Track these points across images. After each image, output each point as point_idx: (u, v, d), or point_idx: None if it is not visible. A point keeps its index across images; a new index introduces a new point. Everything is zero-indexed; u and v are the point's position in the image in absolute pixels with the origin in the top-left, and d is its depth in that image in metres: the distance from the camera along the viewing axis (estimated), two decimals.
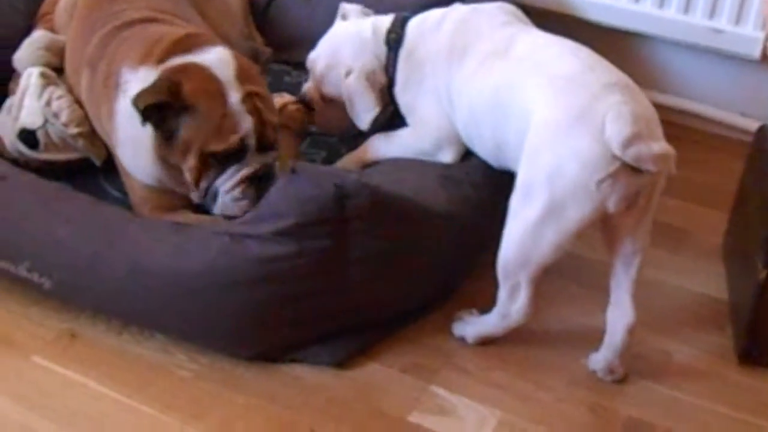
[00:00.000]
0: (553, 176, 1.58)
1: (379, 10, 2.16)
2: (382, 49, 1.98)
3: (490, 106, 1.77)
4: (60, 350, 1.77)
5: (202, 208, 1.88)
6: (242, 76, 1.78)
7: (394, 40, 1.97)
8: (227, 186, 1.77)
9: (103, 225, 1.78)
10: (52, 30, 2.25)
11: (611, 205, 1.56)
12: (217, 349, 1.77)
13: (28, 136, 2.00)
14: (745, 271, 1.82)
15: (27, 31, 2.28)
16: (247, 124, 1.75)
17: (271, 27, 2.48)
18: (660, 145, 1.53)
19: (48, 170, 2.01)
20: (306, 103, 2.05)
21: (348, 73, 1.98)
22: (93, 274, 1.74)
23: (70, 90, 2.07)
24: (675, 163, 1.55)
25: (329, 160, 2.09)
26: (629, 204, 1.58)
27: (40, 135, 1.99)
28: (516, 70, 1.74)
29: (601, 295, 1.82)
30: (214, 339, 1.76)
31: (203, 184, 1.79)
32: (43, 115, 1.99)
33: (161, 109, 1.72)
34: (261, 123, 1.77)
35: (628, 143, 1.51)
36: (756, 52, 2.19)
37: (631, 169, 1.54)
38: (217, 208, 1.80)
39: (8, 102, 2.09)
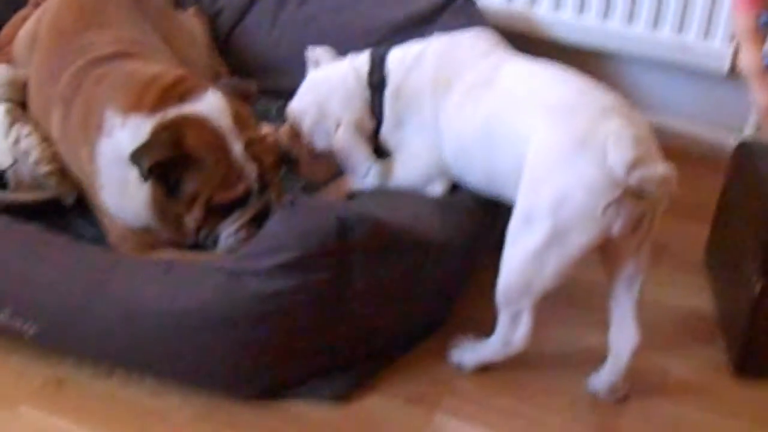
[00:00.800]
0: (557, 204, 1.58)
1: (348, 37, 2.17)
2: (367, 93, 1.95)
3: (479, 136, 1.77)
4: (47, 398, 1.72)
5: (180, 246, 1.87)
6: (240, 123, 1.77)
7: (378, 81, 1.93)
8: (231, 230, 1.78)
9: (91, 267, 1.73)
10: (9, 63, 2.20)
11: (615, 230, 1.58)
12: (214, 390, 1.73)
13: None
14: (736, 283, 1.86)
15: None
16: (250, 171, 1.76)
17: (235, 53, 2.46)
18: (663, 168, 1.55)
19: (16, 211, 1.93)
20: (289, 157, 2.00)
21: (338, 126, 1.94)
22: (83, 318, 1.69)
23: (37, 126, 2.01)
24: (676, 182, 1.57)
25: (309, 189, 2.07)
26: (634, 227, 1.59)
27: (9, 175, 1.95)
28: (506, 99, 1.75)
29: (591, 314, 1.86)
30: (210, 379, 1.72)
31: (205, 231, 1.79)
32: (12, 154, 1.95)
33: (164, 164, 1.70)
34: (262, 168, 1.78)
35: (631, 168, 1.52)
36: (724, 67, 2.24)
37: (634, 193, 1.55)
38: (219, 249, 1.79)
39: None
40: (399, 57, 1.94)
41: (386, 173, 1.95)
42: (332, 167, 2.00)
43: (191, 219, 1.77)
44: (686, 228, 2.12)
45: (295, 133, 1.98)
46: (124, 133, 1.77)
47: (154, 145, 1.70)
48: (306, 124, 1.97)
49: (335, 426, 1.69)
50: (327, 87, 1.99)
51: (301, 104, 1.99)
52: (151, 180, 1.73)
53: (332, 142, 1.94)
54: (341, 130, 1.93)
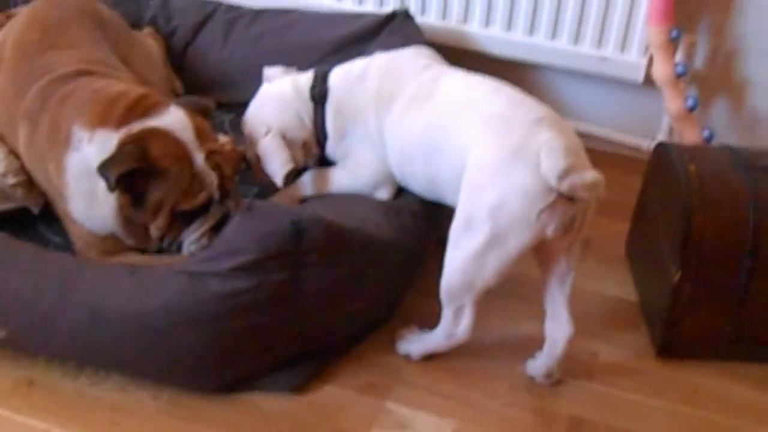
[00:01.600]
0: (495, 210, 1.58)
1: (294, 54, 2.16)
2: (308, 105, 1.94)
3: (421, 146, 1.76)
4: (19, 399, 1.68)
5: (143, 251, 1.85)
6: (201, 136, 1.76)
7: (319, 94, 1.93)
8: (194, 237, 1.77)
9: (59, 273, 1.69)
10: None
11: (549, 232, 1.59)
12: (178, 385, 1.71)
13: None
14: (655, 273, 1.89)
15: None
16: (212, 180, 1.75)
17: (189, 70, 2.44)
18: (591, 174, 1.57)
19: None
20: (247, 162, 1.99)
21: (267, 133, 1.93)
22: (52, 322, 1.65)
23: (2, 140, 1.97)
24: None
25: (262, 195, 2.05)
26: (566, 229, 1.60)
27: None
28: (444, 111, 1.74)
29: (527, 306, 1.89)
30: (174, 375, 1.70)
31: (169, 239, 1.78)
32: None
33: (130, 175, 1.67)
34: (222, 177, 1.77)
35: (563, 176, 1.53)
36: (640, 77, 2.27)
37: (566, 198, 1.56)
38: (184, 254, 1.78)
39: None
40: (341, 73, 1.94)
41: (328, 180, 1.95)
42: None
43: (156, 227, 1.76)
44: (607, 224, 2.13)
45: (249, 141, 1.97)
46: (92, 147, 1.74)
47: (120, 157, 1.68)
48: (246, 132, 1.98)
49: (293, 416, 1.68)
50: (266, 99, 1.99)
51: (246, 114, 2.00)
52: (118, 191, 1.70)
53: (258, 146, 1.94)
54: (268, 137, 1.92)
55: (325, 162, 2.01)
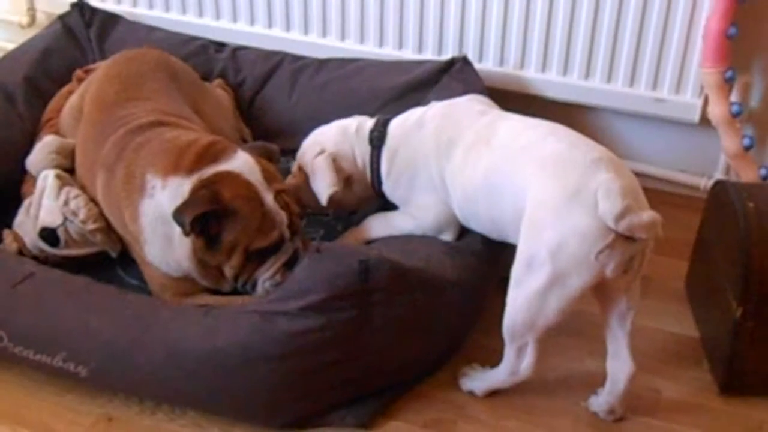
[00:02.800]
0: (555, 250, 1.58)
1: (356, 101, 2.18)
2: (366, 148, 1.96)
3: (482, 189, 1.76)
4: None
5: (217, 291, 1.87)
6: (268, 177, 1.79)
7: (378, 138, 1.95)
8: (268, 275, 1.78)
9: (136, 313, 1.72)
10: (57, 134, 2.21)
11: (609, 272, 1.57)
12: (250, 421, 1.72)
13: (49, 235, 1.95)
14: (717, 309, 1.85)
15: (31, 136, 2.25)
16: (282, 219, 1.77)
17: (256, 119, 2.47)
18: (649, 214, 1.55)
19: (67, 264, 1.94)
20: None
21: (320, 153, 1.96)
22: (130, 360, 1.68)
23: (83, 189, 2.02)
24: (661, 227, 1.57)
25: (327, 238, 2.07)
26: (626, 269, 1.59)
27: (60, 233, 1.95)
28: (503, 154, 1.74)
29: (589, 343, 1.87)
30: (246, 412, 1.71)
31: (244, 278, 1.79)
32: (62, 213, 1.95)
33: (205, 218, 1.70)
34: (291, 215, 1.79)
35: (620, 217, 1.52)
36: (696, 117, 2.25)
37: (624, 238, 1.55)
38: (258, 294, 1.80)
39: (26, 203, 2.04)
40: (400, 122, 1.97)
41: (392, 224, 1.95)
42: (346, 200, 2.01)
43: (231, 267, 1.78)
44: (666, 262, 2.10)
45: (299, 163, 2.00)
46: (165, 194, 1.78)
47: (194, 202, 1.71)
48: (300, 152, 2.01)
49: None
50: (329, 128, 2.03)
51: (306, 139, 2.03)
52: (192, 234, 1.72)
53: (309, 164, 1.96)
54: (321, 156, 1.94)
55: (385, 206, 2.02)
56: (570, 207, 1.57)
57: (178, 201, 1.73)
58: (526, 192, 1.65)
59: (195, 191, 1.74)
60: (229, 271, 1.79)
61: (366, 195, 2.01)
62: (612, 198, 1.54)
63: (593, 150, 1.67)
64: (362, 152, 1.97)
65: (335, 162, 1.94)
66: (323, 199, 1.91)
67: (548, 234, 1.59)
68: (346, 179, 1.96)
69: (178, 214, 1.70)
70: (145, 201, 1.82)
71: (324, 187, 1.92)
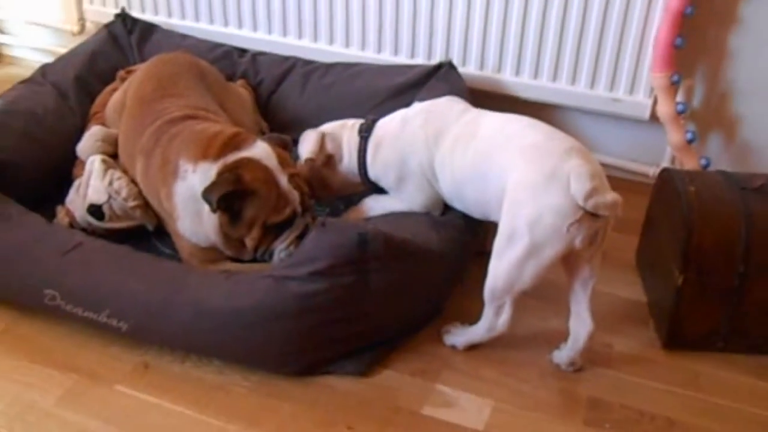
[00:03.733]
0: (533, 224, 1.57)
1: (359, 99, 2.16)
2: (355, 138, 1.94)
3: (470, 174, 1.75)
4: (137, 379, 1.70)
5: (235, 259, 1.86)
6: (282, 162, 1.79)
7: (365, 130, 1.93)
8: (282, 246, 1.78)
9: (169, 277, 1.72)
10: (103, 125, 2.21)
11: (577, 243, 1.58)
12: (265, 368, 1.72)
13: (95, 210, 1.94)
14: (661, 278, 1.86)
15: (81, 127, 2.24)
16: (294, 198, 1.77)
17: (272, 114, 2.45)
18: (612, 196, 1.56)
19: (110, 236, 1.94)
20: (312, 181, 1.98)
21: (312, 132, 1.96)
22: (163, 317, 1.68)
23: (125, 171, 2.01)
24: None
25: (332, 215, 2.06)
26: (591, 241, 1.59)
27: (105, 209, 1.94)
28: (488, 144, 1.73)
29: (550, 305, 1.87)
30: (262, 360, 1.71)
31: (262, 248, 1.79)
32: (107, 192, 1.95)
33: (229, 197, 1.70)
34: (302, 195, 1.79)
35: (588, 196, 1.53)
36: (646, 115, 2.24)
37: (591, 215, 1.55)
38: (274, 262, 1.79)
39: (76, 183, 2.03)
40: (386, 120, 1.95)
41: (387, 204, 1.93)
42: (334, 188, 2.00)
43: (251, 239, 1.78)
44: (619, 238, 2.08)
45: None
46: (195, 177, 1.78)
47: (219, 183, 1.71)
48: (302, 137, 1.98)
49: (359, 394, 1.67)
50: (328, 123, 2.00)
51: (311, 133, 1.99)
52: (219, 211, 1.72)
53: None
54: (314, 132, 1.94)
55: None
56: (546, 187, 1.57)
57: (207, 183, 1.73)
58: (508, 175, 1.64)
59: (220, 174, 1.73)
60: (249, 242, 1.78)
61: (349, 179, 1.97)
62: (582, 180, 1.54)
63: (566, 141, 1.67)
64: (350, 140, 1.95)
65: (323, 140, 1.93)
66: (302, 161, 1.90)
67: (527, 210, 1.58)
68: (327, 158, 1.94)
69: (207, 194, 1.70)
70: (178, 183, 1.81)
71: (304, 152, 1.91)
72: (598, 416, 1.64)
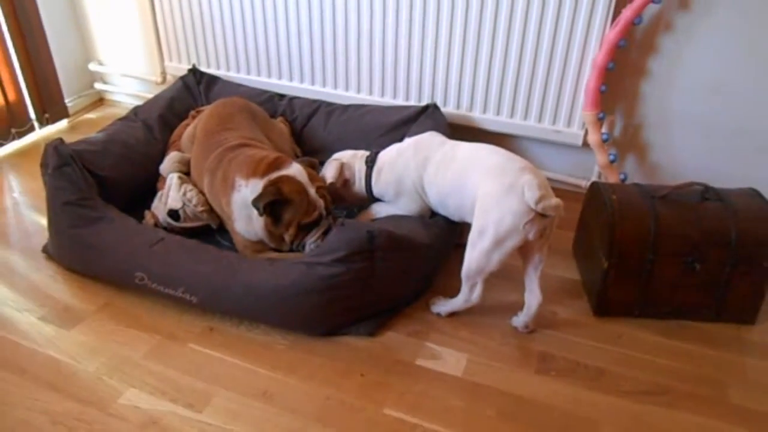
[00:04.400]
0: (497, 223, 1.56)
1: (368, 131, 2.13)
2: (363, 167, 1.91)
3: (451, 189, 1.72)
4: (205, 339, 1.68)
5: (276, 250, 1.83)
6: (311, 178, 1.76)
7: (370, 161, 1.90)
8: (312, 240, 1.76)
9: (227, 264, 1.70)
10: (179, 151, 2.18)
11: (531, 237, 1.55)
12: (299, 330, 1.70)
13: (173, 214, 1.92)
14: (592, 263, 1.83)
15: (163, 153, 2.22)
16: (320, 204, 1.75)
17: (304, 142, 2.42)
18: (556, 200, 1.54)
19: (184, 233, 1.91)
20: (332, 194, 1.93)
21: (332, 160, 1.93)
22: (224, 292, 1.66)
23: (195, 185, 1.99)
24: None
25: (349, 216, 2.03)
26: (540, 235, 1.57)
27: (180, 212, 1.92)
28: (464, 166, 1.70)
29: (510, 283, 1.85)
30: (296, 324, 1.69)
31: (297, 242, 1.77)
32: (182, 200, 1.92)
33: (272, 204, 1.68)
34: (326, 202, 1.76)
35: (538, 201, 1.51)
36: (579, 142, 2.22)
37: (541, 215, 1.53)
38: (306, 252, 1.76)
39: (159, 194, 2.01)
40: (385, 152, 1.91)
41: (390, 211, 1.88)
42: (351, 199, 1.95)
43: (288, 235, 1.75)
44: (561, 233, 2.06)
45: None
46: (248, 190, 1.76)
47: (265, 194, 1.69)
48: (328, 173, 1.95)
49: (369, 350, 1.66)
50: (346, 152, 1.97)
51: (333, 156, 1.98)
52: (265, 215, 1.70)
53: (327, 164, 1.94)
54: (335, 161, 1.91)
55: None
56: (507, 196, 1.55)
57: (256, 194, 1.71)
58: (478, 188, 1.62)
59: (266, 188, 1.71)
60: (287, 237, 1.76)
61: (360, 195, 1.94)
62: (533, 190, 1.52)
63: (520, 161, 1.65)
64: (360, 169, 1.92)
65: (342, 168, 1.90)
66: (327, 182, 1.87)
67: (493, 213, 1.56)
68: (344, 181, 1.91)
69: (255, 202, 1.68)
70: (234, 194, 1.79)
71: (328, 177, 1.89)
72: (546, 366, 1.62)
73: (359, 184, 1.93)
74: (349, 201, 1.97)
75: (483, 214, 1.59)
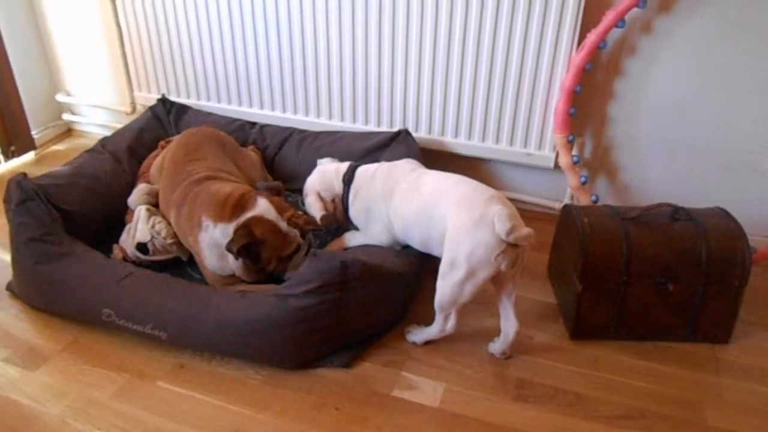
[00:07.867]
0: (469, 256, 1.54)
1: (340, 158, 2.13)
2: (340, 185, 1.90)
3: (415, 220, 1.70)
4: (175, 376, 1.64)
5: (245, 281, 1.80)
6: (279, 209, 1.74)
7: (347, 180, 1.89)
8: (297, 263, 1.75)
9: (197, 298, 1.66)
10: (148, 182, 2.14)
11: (503, 267, 1.54)
12: (272, 364, 1.66)
13: (142, 247, 1.88)
14: (566, 286, 1.83)
15: (132, 185, 2.18)
16: (295, 234, 1.73)
17: (277, 170, 2.40)
18: (527, 230, 1.52)
19: (153, 267, 1.88)
20: (332, 222, 1.94)
21: (310, 194, 1.92)
22: (194, 327, 1.62)
23: (164, 217, 1.95)
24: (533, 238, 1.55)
25: (321, 245, 2.00)
26: (513, 264, 1.56)
27: (149, 245, 1.88)
28: (429, 196, 1.68)
29: (486, 309, 1.83)
30: (270, 358, 1.65)
31: (278, 270, 1.75)
32: (150, 233, 1.89)
33: (246, 247, 1.67)
34: (300, 229, 1.75)
35: (509, 233, 1.50)
36: (551, 164, 2.23)
37: (512, 246, 1.52)
38: (286, 277, 1.75)
39: (127, 227, 1.97)
40: (363, 170, 1.90)
41: (360, 239, 1.87)
42: (332, 220, 1.94)
43: (270, 268, 1.74)
44: (535, 256, 2.08)
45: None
46: (216, 232, 1.74)
47: (237, 239, 1.67)
48: (304, 193, 1.96)
49: (344, 382, 1.63)
50: (316, 175, 1.96)
51: (306, 183, 1.98)
52: (240, 257, 1.69)
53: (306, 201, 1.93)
54: (311, 196, 1.90)
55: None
56: (477, 228, 1.54)
57: (227, 238, 1.69)
58: (446, 220, 1.60)
59: (236, 232, 1.69)
60: (269, 269, 1.74)
61: (342, 215, 1.93)
62: (503, 221, 1.51)
63: (487, 191, 1.63)
64: (338, 186, 1.90)
65: (320, 197, 1.89)
66: (318, 220, 1.85)
67: (464, 246, 1.55)
68: (332, 202, 1.90)
69: (229, 247, 1.67)
70: (202, 233, 1.76)
71: (316, 213, 1.87)
72: (523, 393, 1.61)
73: (338, 202, 1.91)
74: (348, 220, 1.94)
75: (454, 246, 1.57)
